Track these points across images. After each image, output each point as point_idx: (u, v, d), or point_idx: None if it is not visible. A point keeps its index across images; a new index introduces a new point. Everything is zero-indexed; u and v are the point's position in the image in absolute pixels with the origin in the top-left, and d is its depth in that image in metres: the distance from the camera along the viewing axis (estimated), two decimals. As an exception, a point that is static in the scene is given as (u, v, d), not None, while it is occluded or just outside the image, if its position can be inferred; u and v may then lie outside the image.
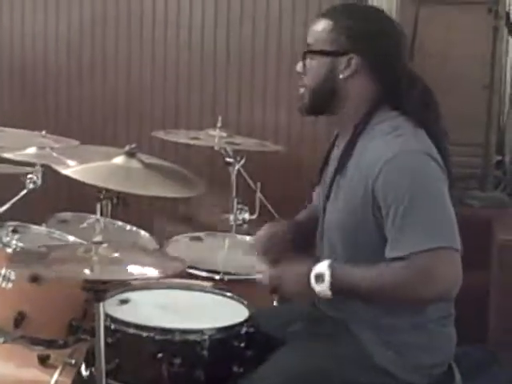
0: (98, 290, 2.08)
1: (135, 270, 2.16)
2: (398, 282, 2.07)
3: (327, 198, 2.30)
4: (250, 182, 3.44)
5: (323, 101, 2.29)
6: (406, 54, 2.32)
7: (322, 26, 2.26)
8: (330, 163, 2.36)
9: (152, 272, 2.18)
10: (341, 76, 2.22)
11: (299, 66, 2.30)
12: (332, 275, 2.09)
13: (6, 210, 2.62)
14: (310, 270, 2.13)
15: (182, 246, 3.19)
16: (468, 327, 2.56)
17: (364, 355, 2.19)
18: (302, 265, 2.19)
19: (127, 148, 2.81)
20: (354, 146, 2.21)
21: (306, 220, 2.56)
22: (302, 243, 2.51)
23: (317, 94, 2.28)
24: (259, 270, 2.34)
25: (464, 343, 2.37)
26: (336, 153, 2.33)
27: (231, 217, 3.39)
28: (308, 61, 2.28)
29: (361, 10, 2.40)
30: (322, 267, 2.12)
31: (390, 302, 2.16)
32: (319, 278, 2.11)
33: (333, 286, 2.09)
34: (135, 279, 2.39)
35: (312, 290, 2.12)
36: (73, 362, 2.58)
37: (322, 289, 2.10)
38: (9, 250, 2.62)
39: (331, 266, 2.11)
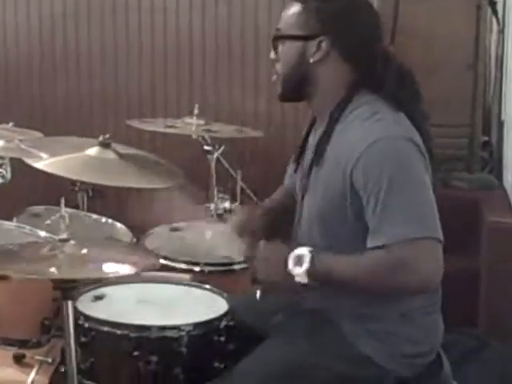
0: (66, 287, 1.99)
1: (105, 266, 2.07)
2: (374, 271, 2.02)
3: (305, 188, 2.24)
4: (230, 170, 3.37)
5: (295, 87, 2.23)
6: (381, 34, 2.23)
7: (291, 10, 2.21)
8: (307, 150, 2.30)
9: (122, 268, 2.09)
10: (311, 60, 2.17)
11: (272, 53, 2.25)
12: (311, 259, 2.03)
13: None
14: (289, 252, 2.07)
15: (161, 237, 3.11)
16: (458, 311, 2.51)
17: (347, 346, 2.14)
18: (279, 247, 2.14)
19: (101, 138, 2.75)
20: (330, 134, 2.15)
21: (279, 205, 2.50)
22: (278, 228, 2.44)
23: (288, 80, 2.23)
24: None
25: (454, 327, 2.32)
26: (313, 139, 2.27)
27: (212, 206, 3.32)
28: (280, 47, 2.23)
29: None
30: (303, 250, 2.06)
31: (366, 291, 2.09)
32: (298, 260, 2.05)
33: (310, 270, 2.03)
34: (103, 277, 2.31)
35: (289, 275, 2.06)
36: (49, 360, 2.53)
37: (299, 272, 2.04)
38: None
39: (312, 251, 2.05)
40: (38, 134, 2.49)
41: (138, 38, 4.10)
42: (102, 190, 3.24)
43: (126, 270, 2.11)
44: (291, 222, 2.36)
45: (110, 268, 2.07)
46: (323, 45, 2.14)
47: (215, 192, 3.33)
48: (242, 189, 3.38)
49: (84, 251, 2.09)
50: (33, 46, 4.21)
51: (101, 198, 3.25)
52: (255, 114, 3.96)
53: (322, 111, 2.23)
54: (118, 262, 2.11)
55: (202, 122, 3.35)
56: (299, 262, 2.05)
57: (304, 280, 2.05)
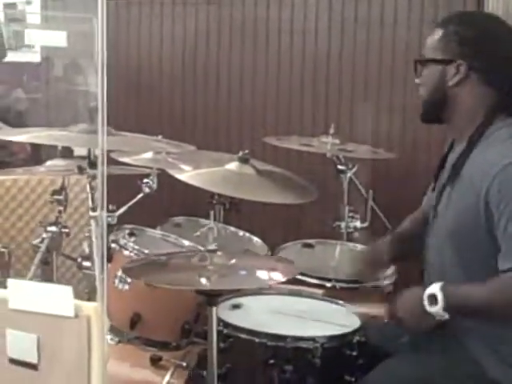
0: (211, 294, 2.10)
1: (249, 277, 2.17)
2: (508, 296, 2.05)
3: (438, 204, 2.29)
4: (362, 190, 3.41)
5: (436, 109, 2.31)
6: None
7: (434, 35, 2.29)
8: (445, 169, 2.35)
9: (268, 278, 2.18)
10: (450, 83, 2.24)
11: (416, 79, 2.34)
12: (445, 295, 2.09)
13: (123, 214, 2.68)
14: (421, 293, 2.14)
15: (293, 252, 3.18)
16: None
17: (475, 368, 2.16)
18: (413, 291, 2.20)
19: (240, 154, 2.84)
20: (468, 156, 2.20)
21: (412, 227, 2.59)
22: (405, 253, 2.57)
23: (429, 102, 2.32)
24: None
25: None
26: (451, 159, 2.32)
27: (342, 224, 3.38)
28: (423, 71, 2.32)
29: (471, 17, 2.40)
30: (434, 288, 2.12)
31: (503, 317, 2.12)
32: (432, 299, 2.11)
33: (447, 305, 2.09)
34: (249, 288, 2.41)
35: (428, 314, 2.12)
36: (184, 364, 2.62)
37: (437, 310, 2.10)
38: (126, 253, 2.68)
39: (443, 287, 2.10)
40: (191, 147, 2.60)
41: (277, 59, 4.19)
42: (237, 204, 3.34)
43: (271, 279, 2.19)
44: (417, 247, 2.42)
45: (258, 277, 2.16)
46: (461, 68, 2.22)
47: (346, 211, 3.39)
48: (372, 209, 3.42)
49: (232, 261, 2.19)
50: (175, 62, 4.36)
51: (236, 212, 3.35)
52: (388, 135, 3.99)
53: (461, 133, 2.28)
54: (263, 271, 2.20)
55: (337, 141, 3.42)
56: (434, 301, 2.10)
57: (443, 316, 2.11)
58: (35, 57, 4.77)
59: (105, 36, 1.55)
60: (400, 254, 2.59)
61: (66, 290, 1.63)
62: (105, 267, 1.61)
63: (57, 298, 1.63)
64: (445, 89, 2.25)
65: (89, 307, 1.63)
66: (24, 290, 1.68)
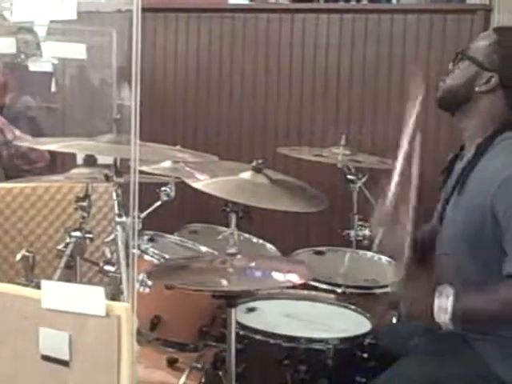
0: (231, 296, 2.19)
1: (269, 278, 2.27)
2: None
3: (444, 211, 2.37)
4: (371, 199, 3.50)
5: (455, 101, 2.38)
6: None
7: (487, 38, 2.37)
8: (452, 175, 2.43)
9: (285, 279, 2.28)
10: (477, 89, 2.31)
11: (451, 64, 2.41)
12: (453, 307, 2.16)
13: (143, 220, 2.77)
14: (432, 301, 2.19)
15: (304, 259, 3.27)
16: None
17: (484, 369, 2.22)
18: (426, 291, 2.24)
19: (254, 163, 2.92)
20: (475, 164, 2.28)
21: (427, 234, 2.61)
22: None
23: (450, 92, 2.38)
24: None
25: None
26: (458, 167, 2.39)
27: (352, 233, 3.47)
28: (460, 63, 2.38)
29: None
30: (444, 302, 2.17)
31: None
32: (442, 309, 2.17)
33: (453, 318, 2.16)
34: (271, 288, 2.50)
35: (434, 319, 2.19)
36: (199, 365, 2.70)
37: (444, 321, 2.17)
38: (146, 257, 2.78)
39: (453, 297, 2.17)
40: (214, 158, 2.69)
41: (289, 71, 4.27)
42: (249, 212, 3.42)
43: (288, 281, 2.28)
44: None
45: (275, 279, 2.25)
46: (492, 80, 2.29)
47: (356, 219, 3.49)
48: (380, 217, 3.50)
49: (251, 264, 2.29)
50: (189, 75, 4.44)
51: (248, 220, 3.44)
52: (396, 147, 4.07)
53: (470, 139, 2.36)
54: (280, 273, 2.30)
55: (347, 152, 3.51)
56: (443, 311, 2.17)
57: (449, 326, 2.18)
58: (44, 66, 4.83)
59: (139, 50, 1.63)
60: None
61: (98, 291, 1.72)
62: (135, 270, 1.70)
63: (89, 298, 1.71)
64: (470, 90, 2.33)
65: (119, 307, 1.71)
66: (57, 290, 1.77)
